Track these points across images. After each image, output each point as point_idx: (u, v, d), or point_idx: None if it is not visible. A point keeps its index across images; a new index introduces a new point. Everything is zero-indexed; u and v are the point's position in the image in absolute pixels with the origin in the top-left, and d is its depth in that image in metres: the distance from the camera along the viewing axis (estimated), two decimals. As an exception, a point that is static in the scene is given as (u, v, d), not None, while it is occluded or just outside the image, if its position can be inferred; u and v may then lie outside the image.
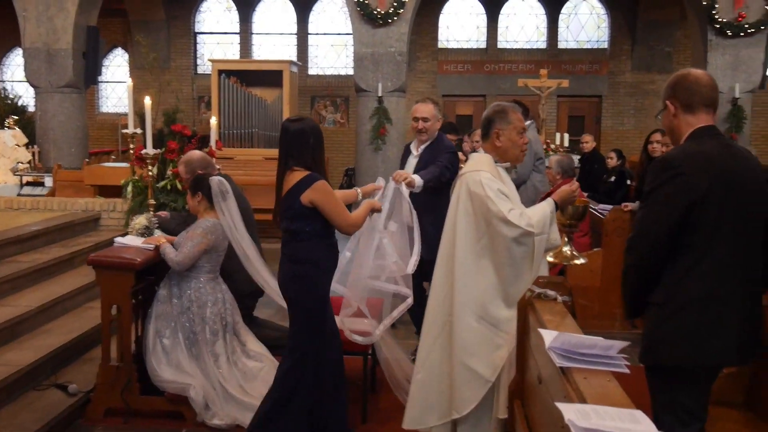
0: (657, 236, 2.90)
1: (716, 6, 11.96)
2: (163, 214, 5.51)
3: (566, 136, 13.88)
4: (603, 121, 17.13)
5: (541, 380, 2.81)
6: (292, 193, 3.86)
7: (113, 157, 14.45)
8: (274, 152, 13.78)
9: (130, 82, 6.66)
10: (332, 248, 4.04)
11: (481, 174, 3.63)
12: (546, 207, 3.63)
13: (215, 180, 4.72)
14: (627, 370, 2.44)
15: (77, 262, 6.58)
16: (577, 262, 3.84)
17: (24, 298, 5.44)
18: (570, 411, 2.00)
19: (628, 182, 9.40)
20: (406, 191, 4.50)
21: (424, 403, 3.82)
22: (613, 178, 9.57)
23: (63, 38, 12.57)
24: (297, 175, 3.87)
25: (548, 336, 2.66)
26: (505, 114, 3.75)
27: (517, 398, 3.38)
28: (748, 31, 11.99)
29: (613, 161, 9.81)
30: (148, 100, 6.48)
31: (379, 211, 4.25)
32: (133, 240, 4.86)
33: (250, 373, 4.73)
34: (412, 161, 5.47)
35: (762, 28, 12.03)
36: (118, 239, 4.92)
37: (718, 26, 12.02)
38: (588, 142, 10.50)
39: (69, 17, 12.52)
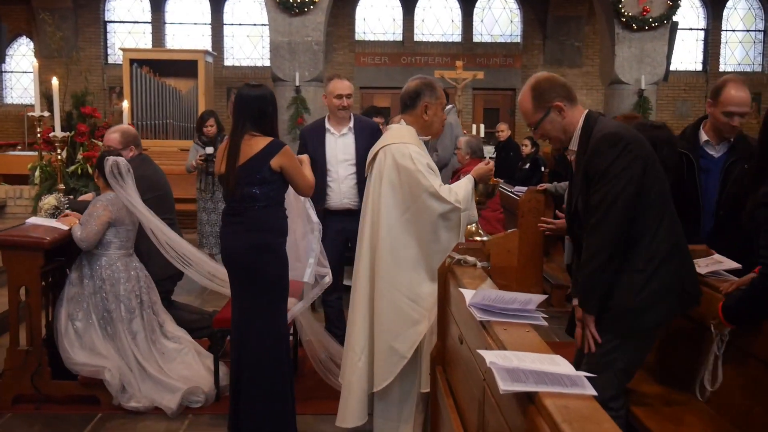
0: (626, 206, 2.91)
1: (622, 1, 12.39)
2: (89, 196, 5.28)
3: (482, 127, 14.12)
4: (517, 113, 17.50)
5: (462, 340, 2.85)
6: (259, 158, 3.75)
7: (19, 147, 13.87)
8: (189, 143, 13.52)
9: (35, 61, 6.41)
10: (284, 214, 3.97)
11: (409, 147, 3.62)
12: (468, 183, 3.69)
13: (110, 160, 4.60)
14: (545, 323, 2.51)
15: (-19, 250, 6.27)
16: (479, 238, 3.95)
17: (-77, 285, 5.16)
18: (491, 355, 2.04)
19: (543, 169, 9.66)
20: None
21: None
22: (527, 165, 9.81)
23: (-38, 23, 12.00)
24: (260, 141, 3.78)
25: (468, 294, 2.71)
26: (434, 88, 3.76)
27: (438, 365, 3.42)
28: (652, 24, 12.46)
29: (527, 149, 10.06)
30: (55, 81, 6.26)
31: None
32: (45, 220, 4.67)
33: (169, 354, 4.62)
34: (339, 142, 5.17)
35: (665, 22, 12.53)
36: (30, 219, 4.72)
37: (624, 20, 12.43)
38: (503, 131, 10.72)
39: (-32, 1, 11.97)
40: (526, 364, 1.97)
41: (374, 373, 3.66)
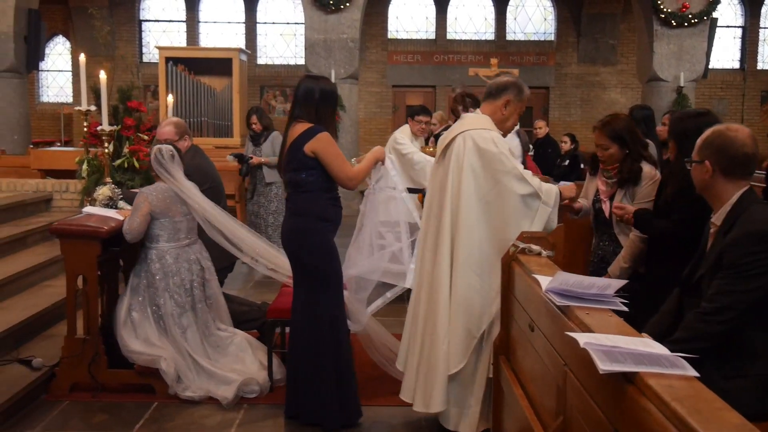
0: (745, 308, 2.69)
1: (661, -4, 12.28)
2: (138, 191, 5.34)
3: (516, 125, 14.03)
4: (550, 112, 17.40)
5: (534, 327, 2.82)
6: (296, 143, 3.85)
7: (58, 144, 14.03)
8: (225, 141, 13.65)
9: (83, 56, 6.45)
10: (334, 201, 4.00)
11: (491, 133, 3.69)
12: (554, 187, 3.74)
13: (154, 147, 4.63)
14: (625, 308, 2.46)
15: (30, 242, 6.37)
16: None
17: (-22, 275, 5.23)
18: (584, 337, 2.01)
19: (581, 166, 9.57)
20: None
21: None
22: (566, 162, 9.72)
23: (3, 21, 12.14)
24: (301, 127, 3.88)
25: (544, 280, 2.68)
26: (521, 91, 3.83)
27: (501, 354, 3.40)
28: (692, 21, 12.32)
29: (566, 145, 9.98)
30: (103, 75, 6.30)
31: (383, 159, 4.20)
32: (100, 210, 4.71)
33: (222, 347, 4.62)
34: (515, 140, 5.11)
35: (705, 18, 12.38)
36: (86, 208, 4.76)
37: (663, 16, 12.31)
38: (541, 128, 10.64)
39: (9, 0, 12.10)
40: (621, 346, 1.94)
41: (452, 355, 3.65)
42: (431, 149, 7.12)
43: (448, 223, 3.71)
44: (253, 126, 8.08)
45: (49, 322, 5.19)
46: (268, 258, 4.60)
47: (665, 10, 12.25)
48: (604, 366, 1.82)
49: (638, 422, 1.72)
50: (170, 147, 4.64)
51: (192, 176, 4.72)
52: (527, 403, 2.85)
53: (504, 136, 3.91)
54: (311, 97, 3.93)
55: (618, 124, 4.01)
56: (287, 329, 5.24)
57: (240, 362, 4.63)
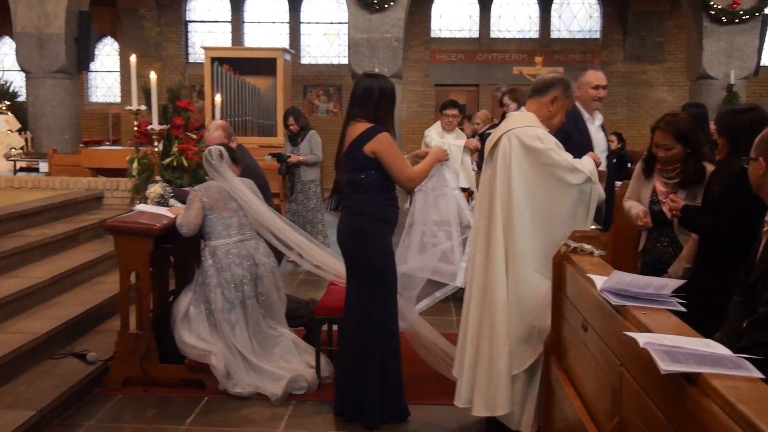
0: None
1: (711, -7, 12.05)
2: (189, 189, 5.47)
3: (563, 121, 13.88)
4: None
5: (587, 327, 2.79)
6: (356, 144, 3.86)
7: (108, 143, 14.31)
8: (269, 140, 13.77)
9: (134, 57, 6.55)
10: (392, 201, 4.01)
11: (536, 129, 3.67)
12: (589, 159, 3.75)
13: (206, 149, 4.77)
14: (683, 309, 2.42)
15: (82, 239, 6.51)
16: (593, 226, 3.87)
17: (34, 271, 5.36)
18: (643, 337, 1.98)
19: (629, 165, 9.46)
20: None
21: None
22: (614, 161, 9.59)
23: (55, 23, 12.42)
24: (360, 127, 3.87)
25: (599, 279, 2.65)
26: (568, 87, 3.81)
27: (552, 354, 3.37)
28: (743, 17, 12.07)
29: (613, 144, 9.84)
30: (153, 75, 6.40)
31: (446, 159, 4.18)
32: (152, 207, 4.80)
33: (270, 344, 4.66)
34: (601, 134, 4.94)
35: (756, 14, 12.12)
36: (139, 206, 4.86)
37: (713, 13, 12.08)
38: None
39: (60, 2, 12.37)
40: (682, 346, 1.92)
41: (515, 356, 3.63)
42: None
43: (499, 224, 3.68)
44: (291, 126, 8.19)
45: (101, 318, 5.30)
46: (313, 255, 4.64)
47: (715, 6, 12.02)
48: (665, 366, 1.80)
49: (701, 424, 1.69)
50: (219, 147, 4.75)
51: (243, 176, 4.80)
52: (580, 403, 2.83)
53: (552, 132, 3.88)
54: (370, 96, 3.91)
55: (682, 124, 3.95)
56: (334, 327, 5.30)
57: (287, 358, 4.67)
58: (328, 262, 4.52)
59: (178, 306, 4.60)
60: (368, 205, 3.92)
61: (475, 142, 7.11)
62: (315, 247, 4.71)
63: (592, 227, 3.78)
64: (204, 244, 4.66)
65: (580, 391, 2.91)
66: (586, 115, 4.90)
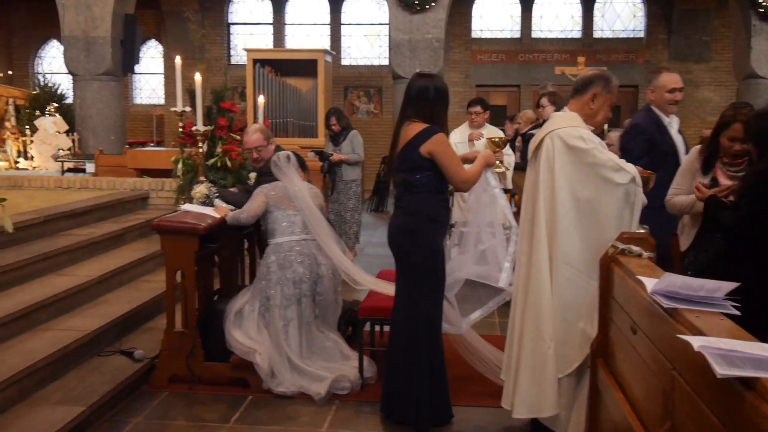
0: None
1: (759, -10, 11.79)
2: (234, 190, 5.55)
3: (608, 118, 13.71)
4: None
5: (636, 330, 2.75)
6: (411, 144, 3.84)
7: (152, 144, 14.51)
8: (310, 141, 13.85)
9: (179, 59, 6.63)
10: (444, 203, 4.01)
11: (578, 130, 3.63)
12: (632, 165, 3.65)
13: (273, 157, 4.94)
14: (737, 312, 2.37)
15: (129, 238, 6.62)
16: (641, 230, 3.82)
17: (83, 269, 5.47)
18: (697, 340, 1.94)
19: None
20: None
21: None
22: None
23: (101, 26, 12.64)
24: (416, 127, 3.86)
25: (649, 282, 2.61)
26: (608, 82, 3.74)
27: (599, 357, 3.33)
28: (793, 15, 11.80)
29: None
30: (198, 77, 6.48)
31: (493, 165, 4.17)
32: (198, 207, 4.86)
33: (317, 346, 4.68)
34: (680, 138, 4.79)
35: (807, 12, 11.84)
36: (185, 206, 4.92)
37: (761, 11, 11.82)
38: (631, 127, 10.35)
39: (107, 5, 12.58)
40: (739, 350, 1.87)
41: (560, 358, 3.60)
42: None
43: (543, 226, 3.66)
44: (333, 126, 8.24)
45: (148, 316, 5.39)
46: (349, 272, 4.67)
47: (764, 4, 11.76)
48: (722, 371, 1.76)
49: (760, 431, 1.66)
50: (287, 152, 4.93)
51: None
52: (629, 407, 2.79)
53: (596, 131, 3.83)
54: (425, 96, 3.89)
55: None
56: (377, 327, 5.32)
57: (329, 363, 4.68)
58: (359, 280, 4.62)
59: (234, 302, 4.69)
60: (422, 205, 3.90)
61: (478, 133, 6.99)
62: (351, 266, 4.76)
63: (640, 230, 3.73)
64: (268, 243, 4.76)
65: (628, 394, 2.86)
66: (665, 119, 4.77)
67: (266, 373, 4.44)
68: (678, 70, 15.95)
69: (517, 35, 17.53)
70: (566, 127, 3.64)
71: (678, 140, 4.76)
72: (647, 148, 4.64)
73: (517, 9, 17.50)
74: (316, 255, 4.70)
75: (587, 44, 17.23)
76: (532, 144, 3.83)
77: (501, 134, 7.04)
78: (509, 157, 6.78)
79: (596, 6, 17.39)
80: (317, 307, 4.75)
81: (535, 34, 17.49)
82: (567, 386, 3.65)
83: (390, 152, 4.02)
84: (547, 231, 3.64)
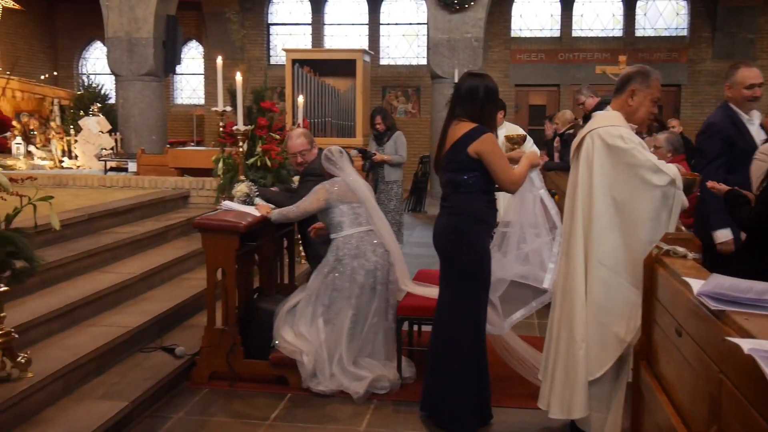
0: None
1: (808, -13, 11.51)
2: (274, 189, 5.59)
3: (653, 113, 13.52)
4: (682, 111, 16.65)
5: (681, 333, 2.70)
6: (459, 144, 3.81)
7: (192, 144, 14.69)
8: (348, 141, 13.94)
9: (220, 59, 6.69)
10: (491, 204, 3.97)
11: (619, 129, 3.58)
12: (675, 167, 3.59)
13: (323, 153, 4.94)
14: (788, 315, 2.31)
15: (170, 236, 6.71)
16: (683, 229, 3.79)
17: (125, 267, 5.56)
18: (747, 343, 1.90)
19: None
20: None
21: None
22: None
23: (144, 27, 12.84)
24: (464, 127, 3.83)
25: (695, 283, 2.56)
26: (647, 76, 3.68)
27: (642, 359, 3.28)
28: (843, 12, 11.49)
29: (701, 145, 9.52)
30: (239, 77, 6.53)
31: (537, 165, 4.14)
32: (238, 205, 4.90)
33: (364, 340, 4.66)
34: (762, 134, 4.64)
35: None
36: (225, 203, 4.97)
37: (810, 8, 11.54)
38: (675, 127, 10.19)
39: (150, 7, 12.78)
40: (790, 354, 1.83)
41: (591, 360, 3.56)
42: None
43: (579, 225, 3.62)
44: (377, 126, 8.23)
45: (189, 313, 5.45)
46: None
47: (812, 0, 11.49)
48: (773, 374, 1.72)
49: (812, 435, 1.62)
50: (338, 147, 4.93)
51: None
52: (673, 410, 2.74)
53: (641, 128, 3.78)
54: (475, 96, 3.85)
55: None
56: (415, 327, 5.31)
57: (372, 360, 4.67)
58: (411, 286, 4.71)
59: (286, 302, 4.73)
60: (469, 205, 3.88)
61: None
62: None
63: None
64: (333, 238, 4.72)
65: (672, 397, 2.82)
66: (744, 116, 4.63)
67: (309, 373, 4.46)
68: (723, 68, 15.67)
69: (557, 34, 17.37)
70: (607, 126, 3.60)
71: (760, 136, 4.60)
72: (725, 147, 4.53)
73: (558, 8, 17.34)
74: (385, 244, 4.73)
75: (629, 43, 17.00)
76: (574, 143, 3.79)
77: (520, 131, 6.91)
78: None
79: (638, 4, 17.14)
80: (390, 295, 4.74)
81: (575, 33, 17.30)
82: (602, 388, 3.61)
83: (437, 151, 3.99)
84: (583, 231, 3.61)
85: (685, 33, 17.01)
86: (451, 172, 3.87)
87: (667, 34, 17.13)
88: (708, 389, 2.33)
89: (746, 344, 1.88)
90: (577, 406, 3.61)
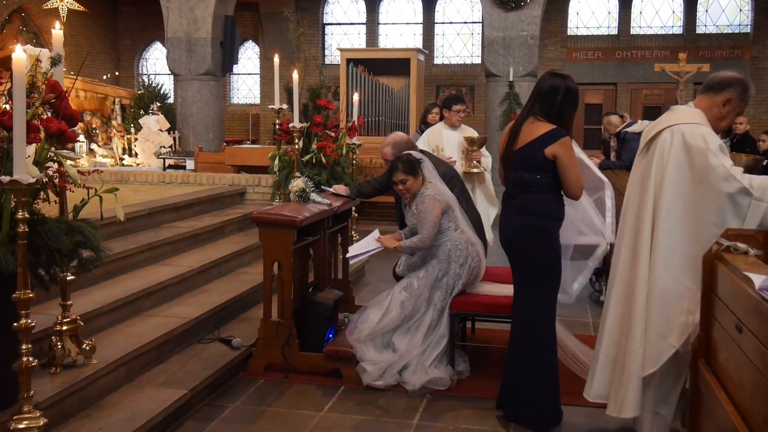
0: None
1: None
2: (341, 189, 5.58)
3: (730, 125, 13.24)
4: (745, 110, 16.22)
5: (742, 329, 2.65)
6: (537, 143, 3.80)
7: (247, 142, 14.94)
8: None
9: (277, 57, 6.78)
10: (562, 202, 3.96)
11: (702, 128, 3.50)
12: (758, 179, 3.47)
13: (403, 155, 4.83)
14: None
15: (227, 231, 6.83)
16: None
17: (184, 260, 5.68)
18: (811, 337, 1.87)
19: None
20: None
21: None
22: (765, 162, 9.06)
23: (203, 28, 13.09)
24: (542, 126, 3.82)
25: (757, 278, 2.51)
26: (746, 89, 3.57)
27: (701, 357, 3.22)
28: None
29: (765, 144, 9.31)
30: (295, 75, 6.63)
31: None
32: (364, 242, 4.94)
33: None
34: None
35: None
36: (352, 248, 5.01)
37: None
38: (742, 123, 9.94)
39: (209, 7, 13.02)
40: None
41: (645, 357, 3.53)
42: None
43: (648, 220, 3.56)
44: (433, 116, 8.07)
45: (245, 306, 5.54)
46: None
47: None
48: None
49: None
50: (414, 153, 4.88)
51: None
52: (733, 408, 2.69)
53: (718, 132, 3.69)
54: (554, 95, 3.83)
55: None
56: (467, 323, 5.32)
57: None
58: None
59: (368, 320, 4.65)
60: (544, 204, 3.87)
61: None
62: None
63: None
64: (446, 238, 4.64)
65: (732, 395, 2.77)
66: None
67: (373, 378, 4.48)
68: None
69: (615, 32, 17.13)
70: (691, 124, 3.52)
71: None
72: None
73: (615, 5, 17.10)
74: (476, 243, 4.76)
75: (689, 40, 16.67)
76: (646, 135, 3.71)
77: (476, 134, 6.72)
78: (486, 158, 6.52)
79: (700, 1, 16.78)
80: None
81: (633, 31, 17.05)
82: (657, 389, 3.56)
83: (506, 148, 3.95)
84: (650, 226, 3.55)
85: (748, 30, 16.61)
86: (524, 171, 3.84)
87: (730, 31, 16.75)
88: (769, 385, 2.29)
89: (810, 338, 1.85)
90: (629, 405, 3.56)
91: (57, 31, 3.68)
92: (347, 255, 5.07)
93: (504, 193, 4.06)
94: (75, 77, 5.24)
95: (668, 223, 3.48)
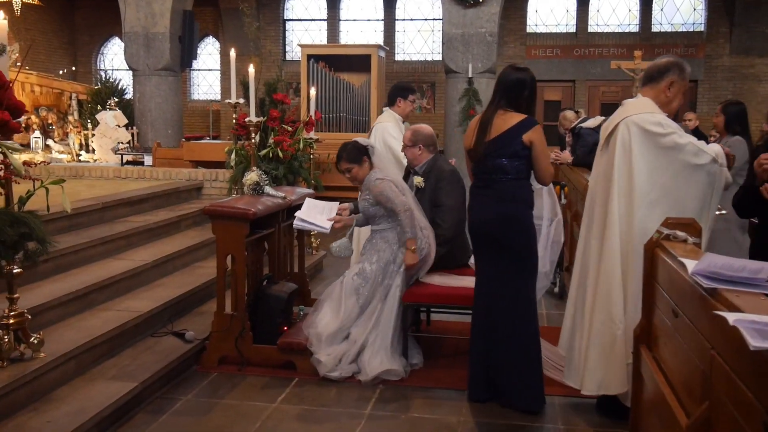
0: None
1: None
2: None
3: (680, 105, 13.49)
4: (698, 107, 16.56)
5: (678, 313, 2.73)
6: (513, 131, 3.96)
7: (208, 138, 14.83)
8: (362, 135, 13.94)
9: (233, 51, 6.75)
10: (531, 189, 4.13)
11: (656, 115, 3.67)
12: (717, 146, 3.71)
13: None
14: (779, 293, 2.34)
15: (183, 226, 6.80)
16: (718, 212, 3.88)
17: (138, 254, 5.65)
18: (733, 316, 1.94)
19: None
20: None
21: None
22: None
23: (160, 22, 12.94)
24: (514, 117, 3.99)
25: (690, 263, 2.59)
26: (683, 68, 3.79)
27: (642, 343, 3.31)
28: None
29: (714, 140, 9.50)
30: (252, 69, 6.60)
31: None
32: (320, 203, 4.95)
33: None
34: None
35: None
36: (308, 200, 5.00)
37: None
38: (691, 120, 10.15)
39: (166, 2, 12.87)
40: (775, 324, 1.86)
41: (628, 342, 3.62)
42: None
43: (616, 212, 3.69)
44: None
45: (200, 300, 5.53)
46: None
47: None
48: (755, 343, 1.75)
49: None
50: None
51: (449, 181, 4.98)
52: (669, 390, 2.77)
53: (670, 117, 3.83)
54: (522, 89, 4.02)
55: None
56: (422, 315, 5.36)
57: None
58: None
59: (320, 322, 4.67)
60: (520, 191, 4.04)
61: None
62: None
63: (717, 213, 3.75)
64: (396, 222, 4.70)
65: (670, 378, 2.85)
66: None
67: (328, 369, 4.51)
68: (740, 64, 15.63)
69: (573, 30, 17.35)
70: (642, 113, 3.69)
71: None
72: None
73: (573, 3, 17.32)
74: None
75: (645, 38, 16.95)
76: (605, 130, 3.89)
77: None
78: None
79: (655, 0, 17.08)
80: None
81: (591, 29, 17.28)
82: None
83: (476, 139, 4.05)
84: (621, 217, 3.68)
85: (702, 28, 16.94)
86: (500, 158, 3.98)
87: (684, 30, 17.07)
88: (701, 367, 2.36)
89: (732, 317, 1.92)
90: (616, 382, 3.70)
91: (1, 21, 3.64)
92: (295, 218, 4.89)
93: (474, 184, 4.16)
94: (24, 70, 5.16)
95: (643, 211, 3.62)
